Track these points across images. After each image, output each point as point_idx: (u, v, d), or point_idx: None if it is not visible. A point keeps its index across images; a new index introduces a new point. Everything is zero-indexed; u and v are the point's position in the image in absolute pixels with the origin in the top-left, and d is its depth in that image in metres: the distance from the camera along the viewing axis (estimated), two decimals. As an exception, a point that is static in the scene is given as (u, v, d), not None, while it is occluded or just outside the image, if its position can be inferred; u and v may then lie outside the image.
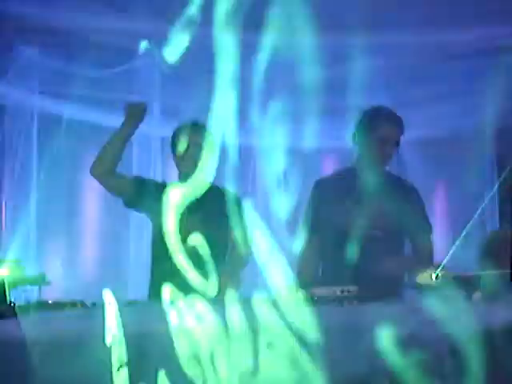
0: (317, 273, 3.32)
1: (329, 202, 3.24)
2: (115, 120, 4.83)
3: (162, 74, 5.00)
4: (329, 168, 5.21)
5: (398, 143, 3.27)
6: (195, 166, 3.31)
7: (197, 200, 3.29)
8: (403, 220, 3.16)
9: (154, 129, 5.00)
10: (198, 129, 3.36)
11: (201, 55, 4.82)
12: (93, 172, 3.28)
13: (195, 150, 3.29)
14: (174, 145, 3.38)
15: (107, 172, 3.26)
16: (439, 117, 5.04)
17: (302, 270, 3.29)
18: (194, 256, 3.18)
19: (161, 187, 3.45)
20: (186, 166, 3.31)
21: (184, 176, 3.35)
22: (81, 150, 5.04)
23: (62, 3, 4.40)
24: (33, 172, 4.99)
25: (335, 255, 3.20)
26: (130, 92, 4.92)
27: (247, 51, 4.90)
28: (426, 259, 3.16)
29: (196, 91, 4.91)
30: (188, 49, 4.75)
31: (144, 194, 3.31)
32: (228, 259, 3.29)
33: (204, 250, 3.19)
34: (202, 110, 4.81)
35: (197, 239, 3.22)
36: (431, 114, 5.04)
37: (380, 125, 3.23)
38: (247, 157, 5.15)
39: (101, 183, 3.34)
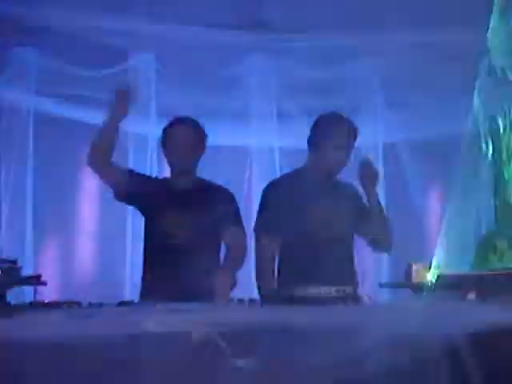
0: (273, 273, 3.27)
1: (283, 204, 3.19)
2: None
3: (158, 74, 5.01)
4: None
5: (348, 150, 3.23)
6: (186, 162, 3.30)
7: (189, 196, 3.29)
8: (352, 223, 3.22)
9: (150, 129, 5.01)
10: (188, 124, 3.34)
11: (196, 55, 4.85)
12: (89, 161, 3.26)
13: (186, 145, 3.28)
14: (164, 141, 3.37)
15: (103, 160, 3.23)
16: (435, 118, 5.05)
17: (262, 271, 3.30)
18: (185, 253, 3.18)
19: (153, 182, 3.45)
20: (177, 162, 3.31)
21: (175, 172, 3.34)
22: (77, 150, 5.02)
23: (58, 4, 4.40)
24: (29, 171, 4.99)
25: (291, 256, 3.21)
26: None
27: (241, 50, 4.94)
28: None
29: (191, 91, 4.93)
30: (184, 48, 4.78)
31: (135, 187, 3.29)
32: (224, 258, 3.28)
33: (195, 247, 3.19)
34: (198, 109, 4.85)
35: (188, 236, 3.22)
36: (427, 115, 5.05)
37: (330, 132, 3.21)
38: (244, 156, 5.16)
39: (96, 171, 3.31)
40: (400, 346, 2.15)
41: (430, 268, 3.70)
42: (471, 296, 2.74)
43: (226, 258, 3.24)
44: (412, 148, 5.01)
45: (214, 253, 3.27)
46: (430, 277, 3.47)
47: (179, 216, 3.25)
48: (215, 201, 3.27)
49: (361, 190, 3.23)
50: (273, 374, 2.14)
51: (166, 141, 3.35)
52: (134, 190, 3.29)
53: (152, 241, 3.32)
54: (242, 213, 3.37)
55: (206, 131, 3.35)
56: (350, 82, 5.09)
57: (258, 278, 3.18)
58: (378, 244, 3.26)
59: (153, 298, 2.58)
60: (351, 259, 3.21)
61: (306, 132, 5.10)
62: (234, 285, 3.04)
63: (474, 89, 5.03)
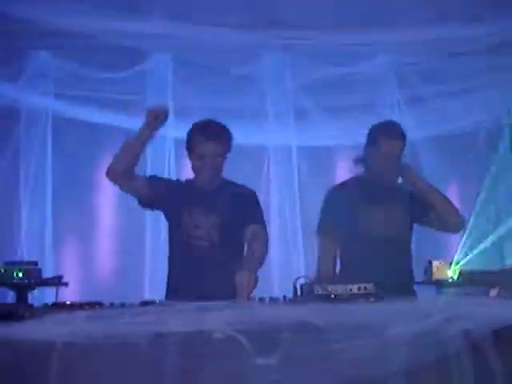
0: (334, 271, 3.39)
1: (343, 207, 3.39)
2: (129, 121, 4.89)
3: (174, 75, 5.02)
4: (342, 167, 5.20)
5: (400, 156, 3.47)
6: (211, 164, 3.32)
7: (214, 197, 3.31)
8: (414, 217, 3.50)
9: (168, 129, 5.02)
10: (214, 127, 3.36)
11: (213, 55, 4.85)
12: (110, 174, 3.30)
13: (211, 148, 3.29)
14: (189, 142, 3.38)
15: (124, 175, 3.27)
16: (452, 113, 5.02)
17: (323, 269, 3.36)
18: (210, 254, 3.21)
19: (176, 185, 3.47)
20: (202, 165, 3.32)
21: (199, 174, 3.36)
22: (95, 151, 5.06)
23: (74, 7, 4.42)
24: (48, 174, 5.02)
25: (352, 255, 3.40)
26: (143, 93, 4.96)
27: (256, 49, 4.94)
28: None
29: (208, 91, 4.93)
30: (199, 48, 4.79)
31: (159, 193, 3.33)
32: (246, 256, 3.29)
33: (221, 248, 3.22)
34: (215, 108, 4.86)
35: (213, 237, 3.24)
36: (444, 111, 5.02)
37: (382, 141, 3.43)
38: (261, 155, 5.16)
39: (116, 184, 3.36)
40: (423, 342, 2.14)
41: (450, 265, 3.68)
42: (494, 292, 2.72)
43: (247, 255, 3.26)
44: (429, 144, 4.98)
45: (239, 253, 3.29)
46: (451, 273, 3.45)
47: (204, 217, 3.28)
48: (240, 201, 3.29)
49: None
50: (294, 372, 2.15)
51: (193, 147, 3.35)
52: (157, 195, 3.33)
53: (177, 243, 3.34)
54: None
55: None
56: (366, 78, 5.07)
57: (319, 278, 3.27)
58: (449, 223, 3.46)
59: (179, 299, 2.60)
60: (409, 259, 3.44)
61: (323, 129, 5.10)
62: (255, 283, 3.06)
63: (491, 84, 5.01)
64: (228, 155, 3.34)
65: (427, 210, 3.45)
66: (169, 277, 3.37)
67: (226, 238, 3.25)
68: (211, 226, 3.26)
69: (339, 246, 3.47)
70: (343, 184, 3.66)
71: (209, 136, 3.29)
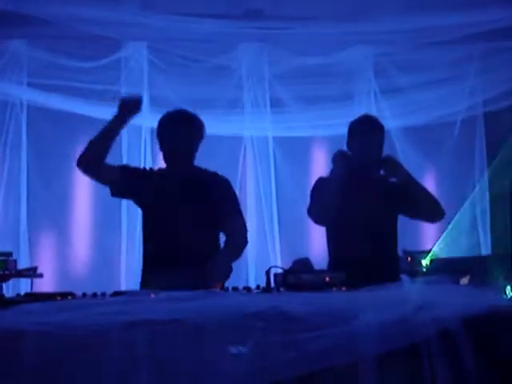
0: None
1: (330, 195, 3.49)
2: (104, 111, 4.85)
3: (150, 64, 4.99)
4: (318, 157, 5.22)
5: (380, 146, 3.58)
6: (181, 151, 3.31)
7: (186, 184, 3.30)
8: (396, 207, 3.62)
9: (144, 119, 4.99)
10: (183, 116, 3.35)
11: (189, 45, 4.83)
12: (80, 163, 3.28)
13: (181, 137, 3.29)
14: (159, 132, 3.38)
15: (94, 164, 3.26)
16: (427, 103, 5.05)
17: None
18: (184, 242, 3.20)
19: (148, 174, 3.45)
20: (173, 153, 3.32)
21: (171, 161, 3.35)
22: (70, 141, 5.00)
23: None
24: (23, 164, 4.98)
25: (338, 244, 3.57)
26: (118, 83, 4.93)
27: (233, 39, 4.93)
28: None
29: (184, 81, 4.91)
30: (176, 38, 4.76)
31: (131, 182, 3.32)
32: (224, 246, 3.31)
33: (194, 235, 3.21)
34: (191, 98, 4.84)
35: (187, 224, 3.23)
36: (419, 101, 5.05)
37: (361, 135, 3.56)
38: (238, 145, 5.15)
39: (87, 174, 3.34)
40: (394, 330, 2.16)
41: (424, 254, 3.71)
42: (465, 280, 2.75)
43: (225, 246, 3.27)
44: (405, 134, 5.01)
45: (214, 240, 3.29)
46: (425, 262, 3.48)
47: (177, 205, 3.26)
48: (212, 188, 3.29)
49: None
50: (266, 359, 2.15)
51: (163, 133, 3.35)
52: (129, 185, 3.32)
53: (151, 232, 3.34)
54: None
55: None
56: (342, 68, 5.08)
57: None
58: (430, 213, 3.60)
59: (153, 288, 2.60)
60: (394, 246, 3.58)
61: (299, 120, 5.10)
62: (229, 272, 3.07)
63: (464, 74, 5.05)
64: (200, 143, 3.34)
65: (408, 201, 3.55)
66: (143, 265, 3.36)
67: (200, 226, 3.24)
68: (184, 214, 3.25)
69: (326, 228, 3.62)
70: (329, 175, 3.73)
71: (179, 124, 3.29)
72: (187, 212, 3.25)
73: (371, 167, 3.61)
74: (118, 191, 3.37)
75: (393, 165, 3.58)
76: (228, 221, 3.32)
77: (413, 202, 3.55)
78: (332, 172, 3.62)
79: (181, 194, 3.28)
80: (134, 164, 4.80)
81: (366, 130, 3.57)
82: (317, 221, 3.62)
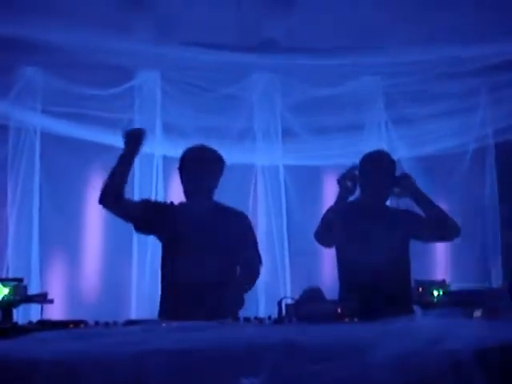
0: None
1: (340, 224, 3.53)
2: (117, 139, 4.89)
3: (163, 93, 5.03)
4: (329, 186, 5.22)
5: (390, 182, 3.62)
6: (202, 187, 3.37)
7: (206, 219, 3.34)
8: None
9: (156, 147, 5.03)
10: (207, 154, 3.42)
11: (202, 74, 4.88)
12: (101, 202, 3.38)
13: (204, 174, 3.35)
14: (182, 167, 3.44)
15: (115, 200, 3.33)
16: (438, 133, 5.06)
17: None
18: (202, 274, 3.23)
19: (169, 208, 3.49)
20: (195, 189, 3.38)
21: (192, 197, 3.41)
22: (83, 169, 5.06)
23: (63, 23, 4.43)
24: (35, 191, 5.01)
25: (350, 276, 3.57)
26: (131, 111, 4.97)
27: (245, 69, 4.97)
28: None
29: (197, 110, 4.95)
30: (189, 67, 4.81)
31: (153, 218, 3.38)
32: (239, 278, 3.36)
33: (212, 268, 3.24)
34: (203, 127, 4.88)
35: (205, 258, 3.27)
36: (430, 131, 5.07)
37: (373, 172, 3.59)
38: (249, 174, 5.17)
39: (110, 211, 3.41)
40: (408, 363, 2.15)
41: (435, 284, 3.69)
42: (478, 313, 2.73)
43: (238, 278, 3.32)
44: (415, 164, 5.01)
45: (231, 273, 3.35)
46: (436, 293, 3.47)
47: (197, 239, 3.30)
48: (230, 222, 3.34)
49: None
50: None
51: (185, 169, 3.42)
52: (151, 220, 3.37)
53: (171, 263, 3.37)
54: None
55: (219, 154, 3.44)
56: (353, 99, 5.11)
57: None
58: (446, 231, 3.61)
59: (171, 319, 2.62)
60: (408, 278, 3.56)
61: (310, 149, 5.12)
62: (242, 304, 3.09)
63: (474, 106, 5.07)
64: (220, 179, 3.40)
65: (424, 223, 3.59)
66: (162, 296, 3.39)
67: (218, 260, 3.29)
68: (203, 248, 3.28)
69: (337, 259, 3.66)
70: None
71: (202, 162, 3.36)
72: (206, 246, 3.30)
73: (381, 203, 3.65)
74: (141, 226, 3.43)
75: (407, 182, 3.61)
76: (243, 254, 3.38)
77: (427, 222, 3.57)
78: (338, 194, 3.63)
79: (200, 228, 3.32)
80: (146, 191, 4.94)
81: (379, 167, 3.61)
82: (322, 241, 3.63)
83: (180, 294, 3.22)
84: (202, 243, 3.30)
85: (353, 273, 3.54)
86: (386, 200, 3.69)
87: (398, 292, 3.41)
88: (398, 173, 3.68)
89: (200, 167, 3.37)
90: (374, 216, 3.58)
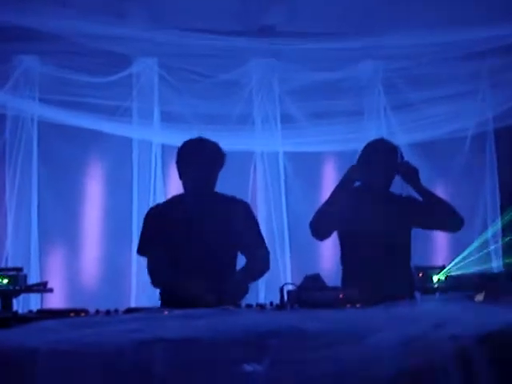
0: None
1: (344, 209, 3.54)
2: (115, 126, 4.88)
3: (161, 79, 5.01)
4: (330, 171, 5.21)
5: (392, 168, 3.63)
6: (202, 181, 3.34)
7: (206, 212, 3.32)
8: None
9: (154, 135, 5.02)
10: (206, 146, 3.37)
11: (200, 61, 4.85)
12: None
13: (204, 167, 3.31)
14: (180, 161, 3.40)
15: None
16: (437, 118, 5.05)
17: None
18: (204, 266, 3.21)
19: (169, 212, 3.43)
20: (193, 180, 3.34)
21: (192, 191, 3.38)
22: (81, 157, 5.04)
23: (60, 11, 4.40)
24: (34, 179, 4.99)
25: (352, 261, 3.59)
26: (129, 99, 4.95)
27: (244, 55, 4.94)
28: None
29: (195, 97, 4.93)
30: (186, 53, 4.79)
31: (160, 233, 3.33)
32: (244, 269, 3.34)
33: (213, 259, 3.23)
34: (201, 114, 4.86)
35: (207, 248, 3.25)
36: (429, 116, 5.05)
37: (375, 160, 3.60)
38: (248, 160, 5.15)
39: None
40: (410, 347, 2.15)
41: (435, 269, 3.70)
42: (480, 297, 2.73)
43: (246, 269, 3.33)
44: (415, 149, 5.00)
45: (232, 264, 3.35)
46: (436, 278, 3.47)
47: (199, 232, 3.28)
48: (233, 213, 3.32)
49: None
50: (281, 377, 2.14)
51: (184, 163, 3.37)
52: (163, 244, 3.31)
53: (173, 257, 3.32)
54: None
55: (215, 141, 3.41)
56: (353, 84, 5.09)
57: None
58: (449, 223, 3.64)
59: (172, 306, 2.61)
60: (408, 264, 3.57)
61: (309, 135, 5.10)
62: (246, 293, 3.10)
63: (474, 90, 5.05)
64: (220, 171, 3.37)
65: (424, 212, 3.60)
66: (162, 290, 3.38)
67: (221, 250, 3.28)
68: (204, 241, 3.26)
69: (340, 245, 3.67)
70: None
71: (202, 154, 3.32)
72: (209, 237, 3.27)
73: (385, 186, 3.65)
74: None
75: (409, 169, 3.63)
76: (250, 245, 3.37)
77: (428, 211, 3.59)
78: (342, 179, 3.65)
79: (202, 222, 3.30)
80: (144, 178, 4.93)
81: (382, 157, 3.61)
82: (315, 232, 3.62)
83: (183, 284, 3.19)
84: (205, 235, 3.27)
85: (355, 259, 3.54)
86: (388, 186, 3.68)
87: (400, 279, 3.40)
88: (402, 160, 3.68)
89: (199, 160, 3.31)
90: (376, 201, 3.57)
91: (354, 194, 3.64)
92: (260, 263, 3.38)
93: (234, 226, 3.30)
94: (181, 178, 3.40)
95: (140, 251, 3.46)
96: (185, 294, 3.00)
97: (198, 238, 3.28)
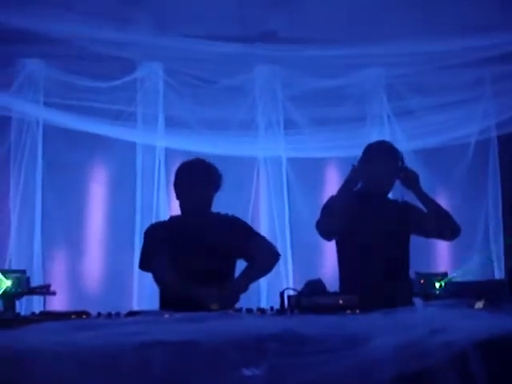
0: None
1: (342, 214, 3.50)
2: (120, 130, 4.90)
3: (166, 85, 5.03)
4: (332, 177, 5.22)
5: (393, 171, 3.61)
6: (198, 200, 3.36)
7: (202, 229, 3.35)
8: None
9: (158, 139, 5.04)
10: (201, 168, 3.39)
11: (204, 66, 4.87)
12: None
13: (197, 186, 3.34)
14: (177, 183, 3.42)
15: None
16: (440, 125, 5.05)
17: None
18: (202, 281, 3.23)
19: (168, 228, 3.46)
20: (189, 201, 3.37)
21: (187, 211, 3.41)
22: (86, 161, 5.06)
23: (65, 15, 4.43)
24: (38, 182, 5.01)
25: (350, 266, 3.58)
26: (134, 103, 4.97)
27: (247, 61, 4.97)
28: None
29: (199, 102, 4.95)
30: (191, 59, 4.81)
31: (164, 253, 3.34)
32: (248, 268, 3.37)
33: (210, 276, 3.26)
34: (206, 119, 4.88)
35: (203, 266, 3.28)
36: (432, 123, 5.06)
37: (377, 161, 3.58)
38: (251, 166, 5.17)
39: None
40: (407, 353, 2.16)
41: (437, 276, 3.70)
42: (479, 304, 2.74)
43: (249, 267, 3.35)
44: (418, 156, 5.01)
45: (228, 277, 3.36)
46: (438, 284, 3.48)
47: (193, 253, 3.30)
48: (224, 233, 3.33)
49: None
50: (280, 382, 2.15)
51: (180, 184, 3.40)
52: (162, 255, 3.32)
53: (173, 278, 3.32)
54: (251, 222, 3.44)
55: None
56: (356, 91, 5.10)
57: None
58: (445, 231, 3.62)
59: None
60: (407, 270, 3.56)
61: (312, 141, 5.12)
62: (244, 291, 3.11)
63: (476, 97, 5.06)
64: (217, 193, 3.40)
65: (422, 219, 3.59)
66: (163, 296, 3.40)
67: (216, 269, 3.29)
68: (199, 261, 3.29)
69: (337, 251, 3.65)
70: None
71: (197, 176, 3.34)
72: (202, 259, 3.28)
73: (385, 192, 3.65)
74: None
75: (410, 175, 3.61)
76: (247, 252, 3.39)
77: (427, 219, 3.57)
78: (346, 180, 3.63)
79: (196, 242, 3.32)
80: (148, 182, 4.95)
81: (383, 158, 3.60)
82: (323, 234, 3.63)
83: (187, 290, 3.19)
84: (197, 257, 3.29)
85: (353, 266, 3.53)
86: (388, 190, 3.68)
87: (398, 286, 3.40)
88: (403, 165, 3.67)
89: (195, 181, 3.33)
90: (375, 206, 3.57)
91: (354, 198, 3.62)
92: (259, 262, 3.38)
93: (227, 241, 3.31)
94: (178, 198, 3.43)
95: (143, 267, 3.49)
96: (190, 299, 3.03)
97: (195, 254, 3.30)
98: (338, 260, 3.67)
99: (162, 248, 3.33)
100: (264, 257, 3.42)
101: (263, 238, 3.57)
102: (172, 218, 3.61)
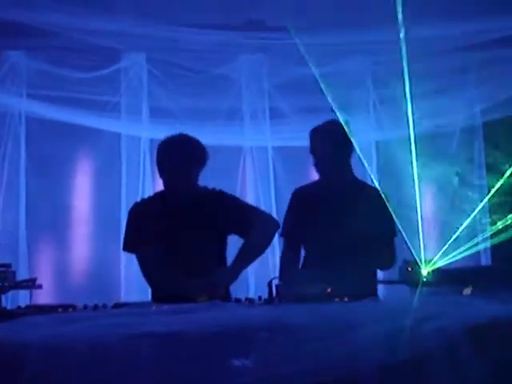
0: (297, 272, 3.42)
1: (305, 210, 3.41)
2: (103, 121, 4.87)
3: (149, 75, 5.00)
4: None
5: (344, 151, 3.47)
6: (182, 176, 3.28)
7: (187, 203, 3.29)
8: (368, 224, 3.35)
9: (143, 130, 5.01)
10: (181, 141, 3.30)
11: (188, 55, 4.85)
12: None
13: (179, 161, 3.26)
14: (158, 159, 3.35)
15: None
16: (426, 113, 5.05)
17: (284, 271, 3.43)
18: (189, 259, 3.20)
19: (152, 207, 3.39)
20: (172, 177, 3.30)
21: (170, 188, 3.34)
22: (69, 152, 5.03)
23: (48, 6, 4.38)
24: (22, 175, 4.97)
25: (312, 258, 3.43)
26: (118, 94, 4.94)
27: (234, 50, 4.94)
28: None
29: (184, 92, 4.92)
30: (175, 48, 4.78)
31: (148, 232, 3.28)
32: (243, 248, 3.26)
33: (197, 253, 3.21)
34: (190, 109, 4.85)
35: (190, 243, 3.23)
36: (418, 110, 5.05)
37: (312, 144, 3.52)
38: (237, 155, 5.15)
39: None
40: (396, 341, 2.16)
41: (424, 263, 3.71)
42: (467, 291, 2.75)
43: (244, 247, 3.24)
44: (404, 143, 5.00)
45: (219, 255, 3.30)
46: (426, 272, 3.49)
47: (180, 227, 3.24)
48: (212, 206, 3.27)
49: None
50: (269, 371, 2.15)
51: (161, 160, 3.32)
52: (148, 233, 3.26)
53: (158, 251, 3.27)
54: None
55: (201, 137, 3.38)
56: (341, 79, 5.08)
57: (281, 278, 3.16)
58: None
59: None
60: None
61: (298, 130, 5.11)
62: (234, 279, 3.09)
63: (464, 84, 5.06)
64: (202, 167, 3.32)
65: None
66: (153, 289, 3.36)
67: (204, 245, 3.23)
68: (186, 237, 3.23)
69: (303, 246, 3.50)
70: (303, 187, 3.69)
71: (179, 153, 3.25)
72: (189, 235, 3.22)
73: (341, 174, 3.50)
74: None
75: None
76: (239, 226, 3.28)
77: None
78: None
79: (181, 217, 3.25)
80: (133, 173, 4.92)
81: (327, 140, 3.49)
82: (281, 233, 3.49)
83: (174, 278, 3.15)
84: (184, 232, 3.22)
85: (314, 258, 3.42)
86: (344, 173, 3.51)
87: (359, 274, 3.20)
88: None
89: (178, 157, 3.24)
90: (332, 193, 3.43)
91: (309, 194, 3.51)
92: (255, 235, 3.21)
93: (215, 216, 3.23)
94: (161, 176, 3.33)
95: (126, 248, 3.39)
96: (176, 288, 2.99)
97: (181, 232, 3.24)
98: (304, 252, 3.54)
99: (147, 227, 3.23)
100: (260, 227, 3.23)
101: (256, 207, 3.47)
102: (156, 195, 3.52)
